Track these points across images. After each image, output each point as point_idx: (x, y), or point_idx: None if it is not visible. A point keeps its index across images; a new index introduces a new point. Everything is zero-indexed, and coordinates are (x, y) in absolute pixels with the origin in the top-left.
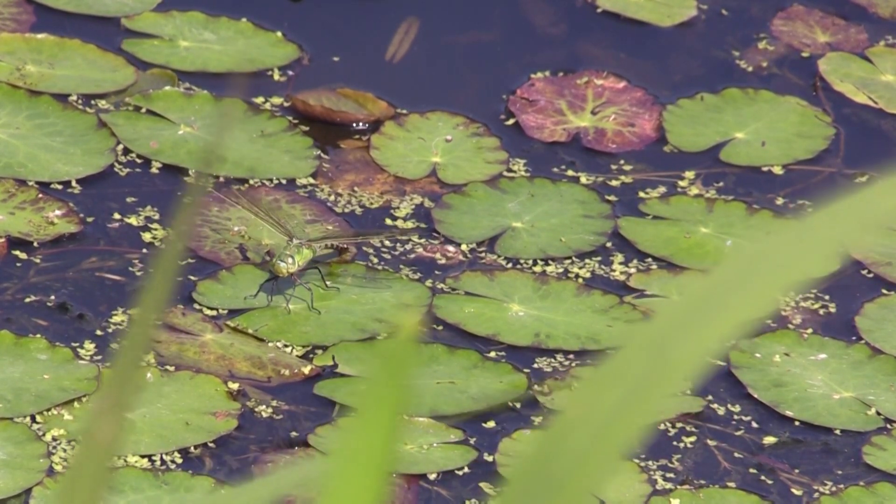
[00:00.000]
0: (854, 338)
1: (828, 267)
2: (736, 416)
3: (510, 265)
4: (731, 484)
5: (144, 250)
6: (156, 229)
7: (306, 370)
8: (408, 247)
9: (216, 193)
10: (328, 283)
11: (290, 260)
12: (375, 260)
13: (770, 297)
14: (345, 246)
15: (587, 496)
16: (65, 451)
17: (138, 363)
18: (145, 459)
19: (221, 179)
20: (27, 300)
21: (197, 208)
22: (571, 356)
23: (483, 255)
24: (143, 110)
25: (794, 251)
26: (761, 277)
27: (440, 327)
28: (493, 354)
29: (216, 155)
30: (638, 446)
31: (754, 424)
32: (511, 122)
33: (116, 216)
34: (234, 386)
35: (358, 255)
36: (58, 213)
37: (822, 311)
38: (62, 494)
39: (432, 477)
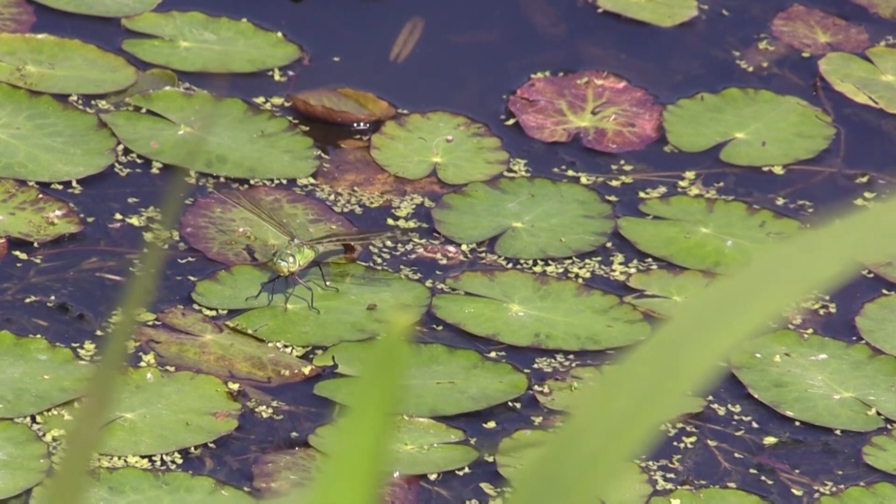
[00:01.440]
0: (854, 338)
1: (842, 276)
2: (736, 417)
3: (510, 265)
4: (732, 484)
5: (145, 251)
6: (157, 230)
7: (306, 370)
8: (408, 247)
9: (217, 194)
10: (328, 282)
11: (290, 259)
12: (380, 261)
13: (784, 304)
14: (351, 244)
15: (592, 500)
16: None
17: (120, 364)
18: (145, 460)
19: (222, 180)
20: (27, 300)
21: (179, 204)
22: (571, 356)
23: (483, 255)
24: (144, 110)
25: (811, 260)
26: (776, 284)
27: (440, 327)
28: (493, 354)
29: (198, 150)
30: (643, 450)
31: (755, 425)
32: (511, 122)
33: (117, 216)
34: (235, 386)
35: (362, 254)
36: (58, 213)
37: (822, 312)
38: (46, 495)
39: (432, 477)
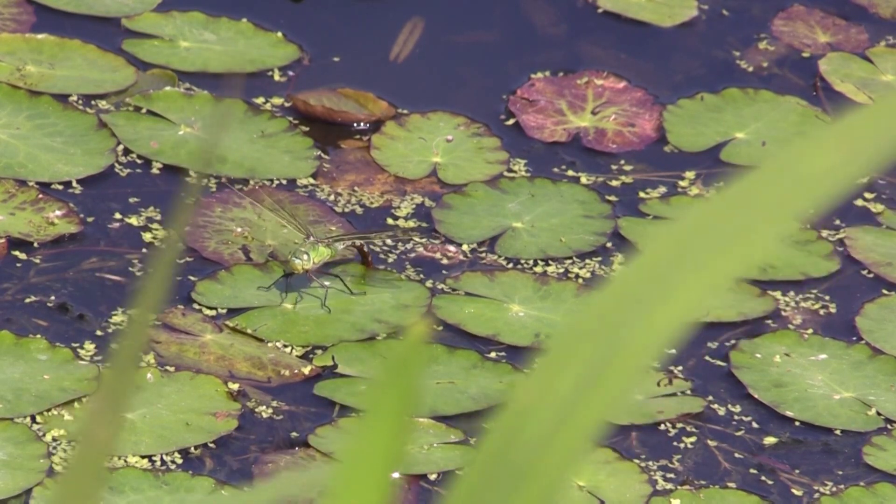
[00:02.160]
0: (854, 338)
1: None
2: (736, 417)
3: (510, 265)
4: (732, 484)
5: (145, 251)
6: (156, 230)
7: (306, 370)
8: (408, 246)
9: (239, 192)
10: (353, 290)
11: (305, 257)
12: (390, 261)
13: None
14: (367, 251)
15: (556, 483)
16: (65, 451)
17: (135, 364)
18: (145, 460)
19: (223, 179)
20: (27, 300)
21: (195, 208)
22: None
23: (483, 255)
24: (144, 111)
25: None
26: (723, 240)
27: (440, 327)
28: (493, 355)
29: (214, 154)
30: (602, 435)
31: (755, 425)
32: (511, 122)
33: (117, 216)
34: (235, 386)
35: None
36: (58, 213)
37: (822, 312)
38: (60, 494)
39: (432, 477)
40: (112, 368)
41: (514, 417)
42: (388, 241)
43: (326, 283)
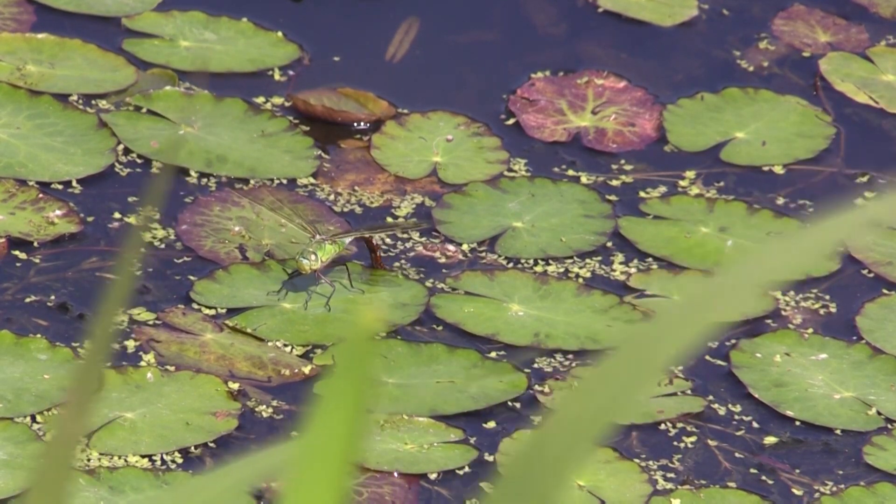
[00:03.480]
0: (854, 338)
1: (822, 267)
2: (737, 417)
3: (510, 265)
4: (732, 484)
5: (143, 250)
6: (156, 229)
7: (306, 370)
8: (407, 245)
9: (244, 193)
10: (353, 285)
11: (312, 257)
12: (401, 263)
13: (751, 296)
14: (375, 245)
15: (565, 486)
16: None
17: (100, 363)
18: (146, 459)
19: (224, 179)
20: (27, 300)
21: (157, 201)
22: (571, 356)
23: (483, 254)
24: (144, 110)
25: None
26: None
27: (440, 327)
28: (493, 354)
29: (180, 146)
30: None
31: (755, 424)
32: (511, 121)
33: (117, 216)
34: (235, 386)
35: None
36: (58, 213)
37: (822, 311)
38: (29, 494)
39: (432, 477)
40: (77, 369)
41: (550, 429)
42: (394, 236)
43: (333, 283)
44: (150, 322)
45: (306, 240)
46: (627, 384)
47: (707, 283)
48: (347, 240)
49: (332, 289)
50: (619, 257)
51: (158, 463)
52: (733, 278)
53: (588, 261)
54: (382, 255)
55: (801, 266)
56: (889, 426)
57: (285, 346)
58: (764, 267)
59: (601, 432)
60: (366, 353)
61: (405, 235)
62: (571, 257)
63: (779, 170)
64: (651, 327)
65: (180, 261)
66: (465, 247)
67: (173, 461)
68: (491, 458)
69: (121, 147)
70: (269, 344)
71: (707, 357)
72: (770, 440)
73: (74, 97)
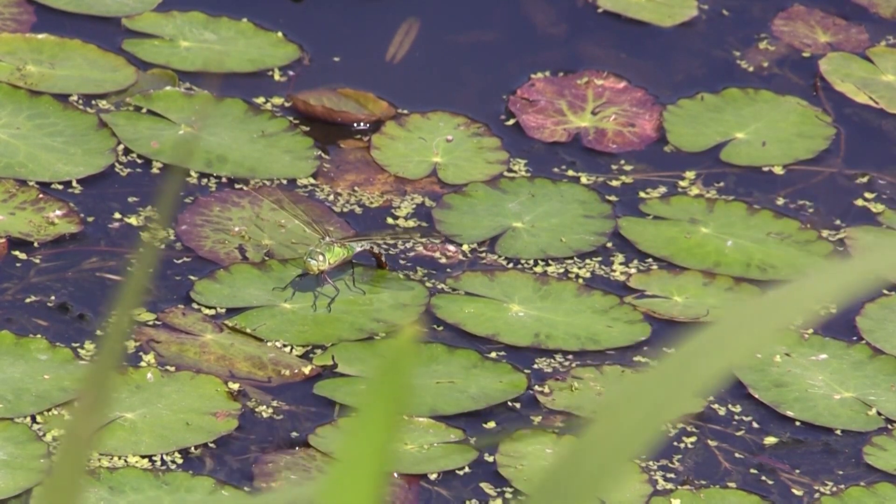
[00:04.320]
0: (855, 338)
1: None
2: (737, 417)
3: (510, 265)
4: (732, 484)
5: (140, 250)
6: (152, 228)
7: (306, 370)
8: (408, 245)
9: (256, 193)
10: (355, 285)
11: (320, 258)
12: (404, 264)
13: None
14: (379, 252)
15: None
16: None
17: (116, 363)
18: (146, 459)
19: (224, 179)
20: (27, 300)
21: (173, 203)
22: (571, 356)
23: (483, 255)
24: (144, 110)
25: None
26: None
27: (440, 327)
28: (493, 354)
29: (193, 148)
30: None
31: (755, 425)
32: (511, 122)
33: (117, 216)
34: (235, 386)
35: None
36: (58, 213)
37: (822, 312)
38: (43, 492)
39: (432, 477)
40: (94, 368)
41: (587, 440)
42: (408, 243)
43: (336, 285)
44: (150, 322)
45: (315, 240)
46: (666, 401)
47: (755, 301)
48: (357, 247)
49: (337, 291)
50: (620, 258)
51: (158, 463)
52: (783, 298)
53: (588, 261)
54: (383, 253)
55: (842, 296)
56: (889, 426)
57: (285, 346)
58: (811, 292)
59: (638, 448)
60: (406, 364)
61: (420, 240)
62: (571, 258)
63: (779, 170)
64: (693, 343)
65: (180, 261)
66: (465, 247)
67: (173, 461)
68: (491, 459)
69: (121, 147)
70: (269, 344)
71: None
72: (770, 440)
73: (74, 97)
